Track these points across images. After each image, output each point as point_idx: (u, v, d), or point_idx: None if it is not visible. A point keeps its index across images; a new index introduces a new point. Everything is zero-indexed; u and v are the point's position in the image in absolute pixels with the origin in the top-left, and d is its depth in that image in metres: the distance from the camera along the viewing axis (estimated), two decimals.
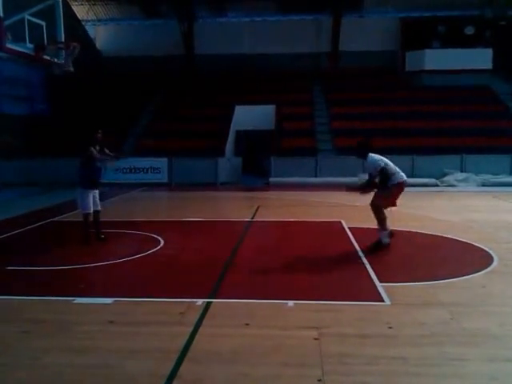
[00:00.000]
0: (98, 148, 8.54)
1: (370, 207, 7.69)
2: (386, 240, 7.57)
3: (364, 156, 7.63)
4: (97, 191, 8.67)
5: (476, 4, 25.49)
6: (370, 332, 4.46)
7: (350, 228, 9.37)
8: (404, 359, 3.92)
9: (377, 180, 7.60)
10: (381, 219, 7.55)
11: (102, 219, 8.79)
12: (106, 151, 8.71)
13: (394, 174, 7.50)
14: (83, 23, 28.04)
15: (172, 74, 26.09)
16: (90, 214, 8.52)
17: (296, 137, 20.65)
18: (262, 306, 5.18)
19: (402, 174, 7.60)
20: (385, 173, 7.40)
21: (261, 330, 4.55)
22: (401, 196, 7.68)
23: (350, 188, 8.27)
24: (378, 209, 7.55)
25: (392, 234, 7.78)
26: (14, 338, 4.41)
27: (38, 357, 4.03)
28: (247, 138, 22.36)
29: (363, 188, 7.86)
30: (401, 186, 7.57)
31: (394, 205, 7.70)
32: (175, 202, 15.54)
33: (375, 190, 7.70)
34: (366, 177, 8.13)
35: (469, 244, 8.03)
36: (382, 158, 7.58)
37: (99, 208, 8.72)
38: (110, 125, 21.56)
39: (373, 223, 8.49)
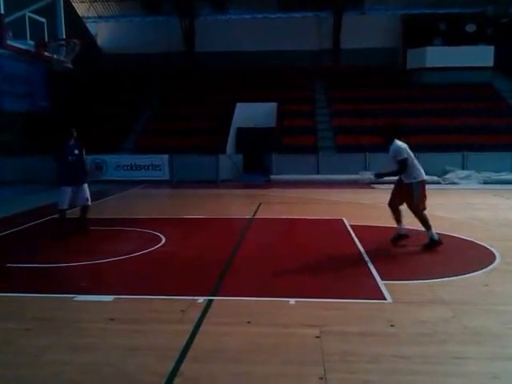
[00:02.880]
0: (72, 143, 8.61)
1: (413, 212, 7.41)
2: (435, 236, 7.37)
3: (389, 141, 7.31)
4: (82, 186, 8.71)
5: (478, 1, 25.43)
6: (372, 330, 4.44)
7: (351, 226, 9.34)
8: (406, 357, 3.90)
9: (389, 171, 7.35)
10: (425, 220, 7.33)
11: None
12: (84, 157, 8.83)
13: (418, 169, 7.28)
14: (84, 20, 27.99)
15: (173, 72, 26.08)
16: (64, 210, 8.62)
17: (297, 134, 20.65)
18: (263, 304, 5.16)
19: (423, 171, 7.37)
20: (404, 164, 7.14)
21: (262, 328, 4.53)
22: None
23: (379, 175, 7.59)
24: (420, 213, 7.32)
25: (407, 235, 7.66)
26: (14, 336, 4.40)
27: (39, 354, 4.03)
28: (248, 136, 22.35)
29: (387, 175, 7.49)
30: (424, 184, 7.36)
31: (424, 205, 7.41)
32: (176, 200, 15.52)
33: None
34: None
35: (471, 242, 8.01)
36: (406, 147, 7.29)
37: (87, 203, 8.78)
38: (110, 122, 21.65)
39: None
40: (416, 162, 7.36)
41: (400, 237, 7.65)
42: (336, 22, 26.80)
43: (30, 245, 8.31)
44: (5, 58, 18.56)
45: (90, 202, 8.86)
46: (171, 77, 25.74)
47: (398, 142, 7.30)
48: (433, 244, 7.35)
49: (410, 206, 7.40)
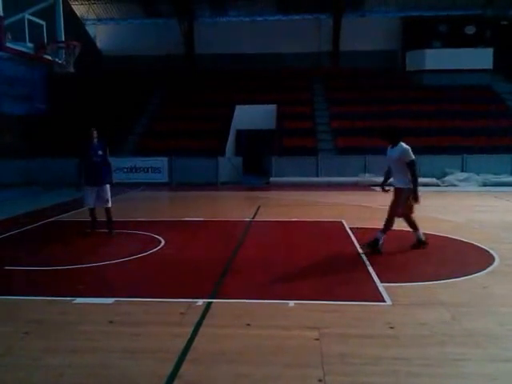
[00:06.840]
0: (96, 143, 8.73)
1: (404, 218, 7.41)
2: (422, 236, 7.54)
3: (396, 142, 7.18)
4: (103, 187, 8.81)
5: (477, 3, 25.51)
6: (371, 332, 4.44)
7: (350, 228, 9.35)
8: (405, 359, 3.90)
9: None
10: (391, 223, 7.30)
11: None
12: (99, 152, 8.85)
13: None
14: (83, 22, 28.05)
15: (172, 74, 26.11)
16: (92, 208, 8.87)
17: (297, 136, 20.65)
18: (262, 306, 5.16)
19: None
20: (413, 167, 7.03)
21: (261, 331, 4.53)
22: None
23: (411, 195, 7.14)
24: (392, 218, 7.27)
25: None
26: (14, 339, 4.39)
27: (38, 357, 4.02)
28: (248, 138, 22.35)
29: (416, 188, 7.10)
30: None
31: (412, 210, 7.37)
32: (176, 202, 15.51)
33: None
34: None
35: (470, 244, 8.01)
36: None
37: (107, 204, 8.90)
38: (110, 124, 21.63)
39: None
40: None
41: (421, 243, 7.60)
42: (336, 24, 26.88)
43: (29, 247, 8.31)
44: (4, 60, 18.57)
45: (109, 204, 8.92)
46: (171, 79, 25.76)
47: (405, 144, 7.21)
48: (421, 243, 7.48)
49: (393, 209, 7.27)
